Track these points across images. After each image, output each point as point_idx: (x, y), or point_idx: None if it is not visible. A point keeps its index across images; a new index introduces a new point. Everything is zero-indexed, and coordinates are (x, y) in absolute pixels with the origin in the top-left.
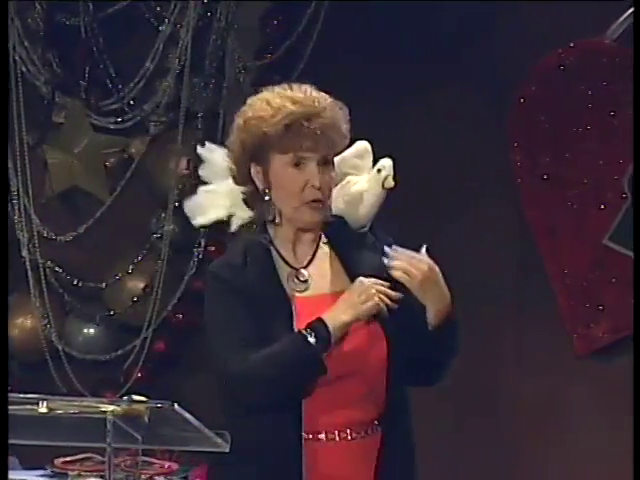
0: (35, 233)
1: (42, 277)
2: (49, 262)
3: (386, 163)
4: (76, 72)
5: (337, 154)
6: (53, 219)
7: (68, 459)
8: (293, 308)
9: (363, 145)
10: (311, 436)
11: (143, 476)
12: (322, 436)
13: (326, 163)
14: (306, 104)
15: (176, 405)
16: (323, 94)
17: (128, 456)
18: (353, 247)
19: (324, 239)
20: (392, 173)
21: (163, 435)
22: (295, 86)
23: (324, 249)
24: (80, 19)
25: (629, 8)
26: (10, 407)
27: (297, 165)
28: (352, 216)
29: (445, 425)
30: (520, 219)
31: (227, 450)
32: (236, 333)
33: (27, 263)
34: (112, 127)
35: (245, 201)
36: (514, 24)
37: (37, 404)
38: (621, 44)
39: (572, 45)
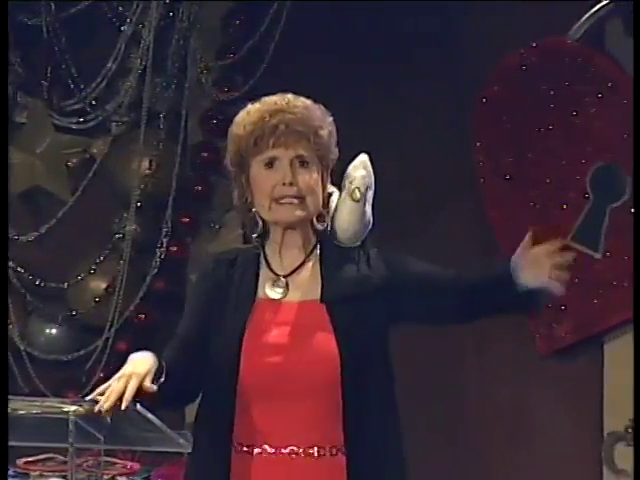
0: None
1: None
2: (11, 262)
3: (357, 174)
4: (38, 72)
5: (324, 157)
6: (15, 219)
7: (30, 459)
8: (253, 311)
9: (359, 158)
10: (245, 449)
11: (105, 476)
12: (257, 450)
13: (303, 162)
14: (276, 103)
15: (138, 405)
16: (304, 99)
17: (90, 456)
18: (336, 260)
19: (318, 249)
20: (362, 184)
21: (125, 435)
22: (288, 95)
23: (314, 258)
24: (42, 19)
25: (591, 8)
26: None
27: (269, 165)
28: (335, 229)
29: (407, 428)
30: (482, 219)
31: (189, 450)
32: (181, 326)
33: None
34: (74, 127)
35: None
36: (476, 24)
37: None
38: (583, 44)
39: (534, 45)
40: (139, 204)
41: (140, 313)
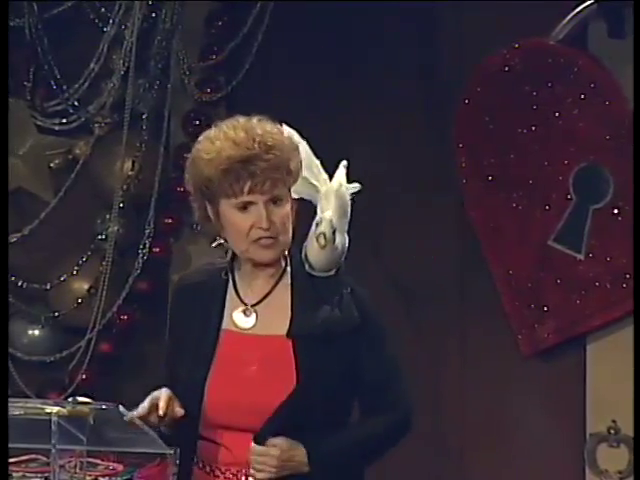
0: None
1: None
2: None
3: (325, 215)
4: (20, 73)
5: (293, 183)
6: None
7: (12, 460)
8: (219, 342)
9: (332, 186)
10: (208, 468)
11: (88, 477)
12: (218, 473)
13: (276, 202)
14: (245, 146)
15: (121, 407)
16: (271, 129)
17: (73, 457)
18: (307, 292)
19: (288, 278)
20: (329, 229)
21: (108, 437)
22: (243, 122)
23: (284, 287)
24: (25, 20)
25: (574, 9)
26: None
27: (244, 209)
28: (307, 259)
29: None
30: (464, 220)
31: (171, 452)
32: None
33: None
34: (57, 128)
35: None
36: (459, 24)
37: None
38: (566, 45)
39: (517, 46)
40: (122, 205)
41: (123, 314)
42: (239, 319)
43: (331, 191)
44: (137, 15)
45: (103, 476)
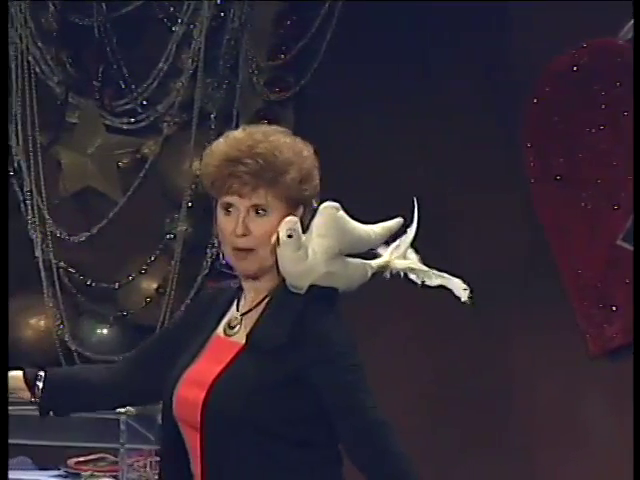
0: (48, 233)
1: (55, 278)
2: (62, 263)
3: (288, 218)
4: (89, 72)
5: (291, 199)
6: (66, 219)
7: (81, 459)
8: (206, 345)
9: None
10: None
11: (156, 476)
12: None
13: (258, 211)
14: (237, 147)
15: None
16: (273, 139)
17: (141, 457)
18: (277, 306)
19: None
20: (283, 230)
21: None
22: (256, 127)
23: (268, 299)
24: (94, 19)
25: None
26: (23, 407)
27: (227, 211)
28: None
29: (458, 425)
30: (532, 219)
31: None
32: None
33: (40, 264)
34: (125, 127)
35: None
36: (527, 24)
37: None
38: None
39: (585, 45)
40: (190, 204)
41: None
42: (227, 326)
43: (321, 207)
44: (206, 14)
45: None
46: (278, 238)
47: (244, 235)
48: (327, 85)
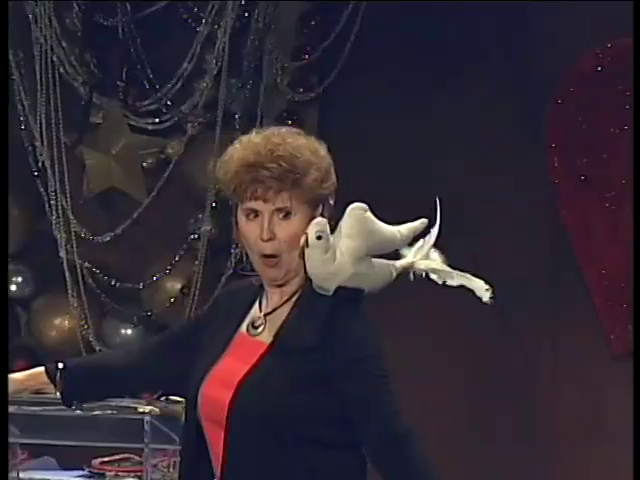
0: (73, 234)
1: (80, 278)
2: (87, 263)
3: (317, 219)
4: (114, 73)
5: (313, 200)
6: (91, 220)
7: (106, 459)
8: (231, 342)
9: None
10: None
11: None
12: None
13: (284, 215)
14: (254, 152)
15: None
16: (291, 141)
17: (165, 457)
18: (304, 307)
19: (300, 292)
20: (311, 232)
21: None
22: (271, 130)
23: (293, 301)
24: (118, 20)
25: None
26: (47, 408)
27: (249, 216)
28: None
29: (481, 425)
30: (556, 220)
31: None
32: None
33: (65, 264)
34: (149, 128)
35: None
36: (552, 25)
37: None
38: None
39: (609, 46)
40: (214, 204)
41: None
42: (251, 325)
43: (349, 208)
44: (230, 15)
45: None
46: (307, 240)
47: (270, 240)
48: (351, 85)
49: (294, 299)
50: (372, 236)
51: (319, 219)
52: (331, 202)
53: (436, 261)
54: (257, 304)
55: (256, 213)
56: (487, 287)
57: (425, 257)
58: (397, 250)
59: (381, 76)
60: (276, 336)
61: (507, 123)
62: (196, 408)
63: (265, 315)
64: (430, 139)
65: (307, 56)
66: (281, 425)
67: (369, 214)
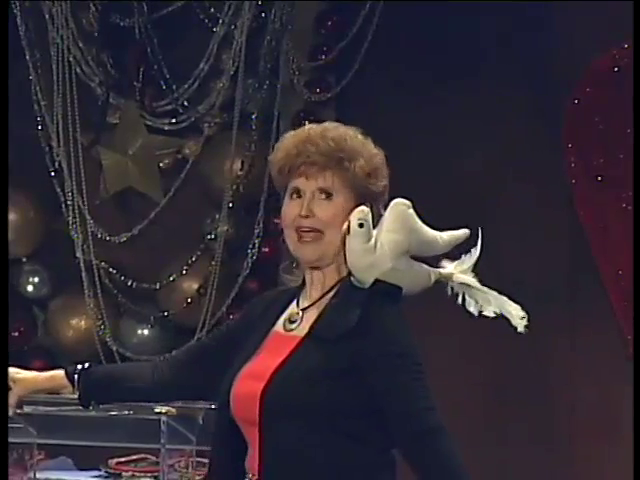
0: (89, 234)
1: (96, 278)
2: (103, 263)
3: (360, 207)
4: (130, 73)
5: (358, 189)
6: (107, 220)
7: (122, 460)
8: (264, 341)
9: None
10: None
11: (197, 477)
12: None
13: (326, 194)
14: (308, 132)
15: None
16: (343, 130)
17: (182, 457)
18: (341, 302)
19: (337, 287)
20: (354, 219)
21: None
22: (329, 125)
23: (331, 294)
24: (134, 20)
25: None
26: (64, 408)
27: (293, 195)
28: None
29: (498, 426)
30: (573, 220)
31: None
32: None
33: (81, 264)
34: (166, 128)
35: None
36: (569, 25)
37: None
38: None
39: (626, 46)
40: (231, 205)
41: (232, 314)
42: (287, 321)
43: (392, 203)
44: (247, 15)
45: None
46: (349, 227)
47: (307, 217)
48: (368, 85)
49: (332, 293)
50: (414, 234)
51: (362, 207)
52: (380, 206)
53: (473, 280)
54: (295, 302)
55: (299, 193)
56: (523, 314)
57: (464, 273)
58: (438, 257)
59: (398, 76)
60: (311, 328)
61: (524, 123)
62: (228, 410)
63: (303, 310)
64: (447, 138)
65: (324, 56)
66: (313, 414)
67: (412, 211)
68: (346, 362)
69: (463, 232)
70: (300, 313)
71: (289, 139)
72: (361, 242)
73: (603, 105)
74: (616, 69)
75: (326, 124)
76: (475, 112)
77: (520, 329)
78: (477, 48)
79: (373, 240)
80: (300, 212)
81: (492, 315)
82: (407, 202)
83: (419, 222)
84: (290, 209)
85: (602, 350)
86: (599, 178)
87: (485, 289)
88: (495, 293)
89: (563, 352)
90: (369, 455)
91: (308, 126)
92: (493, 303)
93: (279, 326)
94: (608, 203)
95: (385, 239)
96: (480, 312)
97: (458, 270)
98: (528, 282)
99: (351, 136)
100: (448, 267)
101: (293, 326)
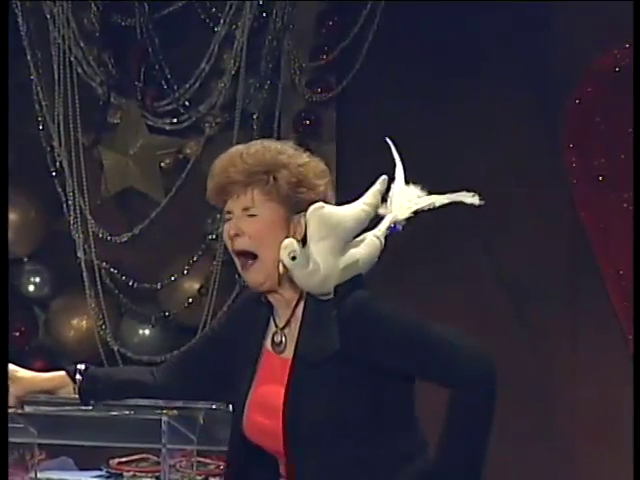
0: (90, 234)
1: (97, 278)
2: (104, 263)
3: (284, 242)
4: (131, 73)
5: (288, 201)
6: (108, 220)
7: (124, 460)
8: (260, 361)
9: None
10: None
11: (198, 477)
12: None
13: (250, 214)
14: (231, 154)
15: (230, 406)
16: (278, 146)
17: (183, 457)
18: (313, 316)
19: (304, 301)
20: (286, 255)
21: (218, 436)
22: (255, 146)
23: (300, 312)
24: (136, 20)
25: None
26: (65, 408)
27: (226, 217)
28: None
29: (500, 425)
30: (574, 220)
31: None
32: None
33: (82, 264)
34: (167, 128)
35: None
36: (570, 25)
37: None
38: None
39: (627, 46)
40: None
41: None
42: (272, 341)
43: (307, 214)
44: (248, 15)
45: (214, 475)
46: (285, 266)
47: (237, 235)
48: (369, 85)
49: (301, 308)
50: (340, 227)
51: (286, 241)
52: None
53: (415, 201)
54: (272, 318)
55: (230, 214)
56: (472, 193)
57: (402, 205)
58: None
59: (399, 76)
60: (297, 349)
61: (524, 123)
62: (242, 429)
63: (281, 329)
64: (448, 139)
65: (325, 56)
66: (336, 429)
67: (327, 208)
68: (348, 373)
69: (381, 181)
70: (279, 332)
71: (216, 162)
72: (302, 270)
73: (604, 105)
74: (617, 69)
75: (253, 142)
76: (475, 112)
77: (478, 203)
78: (477, 48)
79: (312, 260)
80: (228, 233)
81: (446, 202)
82: (318, 204)
83: (338, 212)
84: (225, 230)
85: (603, 350)
86: (600, 178)
87: (429, 199)
88: (438, 195)
89: (564, 352)
90: (400, 440)
91: (234, 147)
92: (443, 200)
93: (268, 344)
94: (609, 203)
95: (321, 250)
96: (431, 208)
97: (395, 209)
98: (529, 283)
99: (273, 150)
100: (385, 219)
101: (280, 348)
